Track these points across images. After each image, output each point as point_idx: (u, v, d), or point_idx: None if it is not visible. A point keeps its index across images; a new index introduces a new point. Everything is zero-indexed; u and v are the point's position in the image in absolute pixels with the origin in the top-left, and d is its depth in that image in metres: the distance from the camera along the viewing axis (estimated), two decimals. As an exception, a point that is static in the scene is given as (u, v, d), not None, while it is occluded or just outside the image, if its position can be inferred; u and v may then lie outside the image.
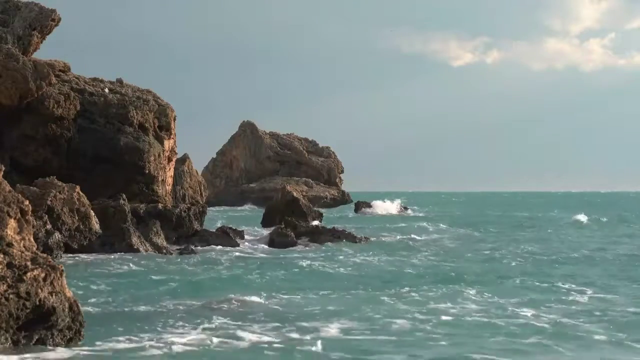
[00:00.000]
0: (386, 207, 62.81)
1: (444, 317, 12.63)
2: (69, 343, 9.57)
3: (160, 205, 26.51)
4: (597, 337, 11.24)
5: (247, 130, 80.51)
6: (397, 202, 65.35)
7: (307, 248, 26.57)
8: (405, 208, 66.82)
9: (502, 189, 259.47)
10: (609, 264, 21.82)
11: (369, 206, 62.90)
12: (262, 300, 14.37)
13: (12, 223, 9.70)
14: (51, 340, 9.42)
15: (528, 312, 13.16)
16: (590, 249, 26.84)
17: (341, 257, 23.39)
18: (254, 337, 10.89)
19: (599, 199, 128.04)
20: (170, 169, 31.41)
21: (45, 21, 28.39)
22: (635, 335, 11.28)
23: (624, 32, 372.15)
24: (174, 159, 32.44)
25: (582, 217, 47.56)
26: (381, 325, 11.88)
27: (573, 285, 16.87)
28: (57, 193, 21.50)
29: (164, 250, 23.23)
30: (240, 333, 11.14)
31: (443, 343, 10.74)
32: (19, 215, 9.93)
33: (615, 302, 14.52)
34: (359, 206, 63.54)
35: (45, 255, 9.97)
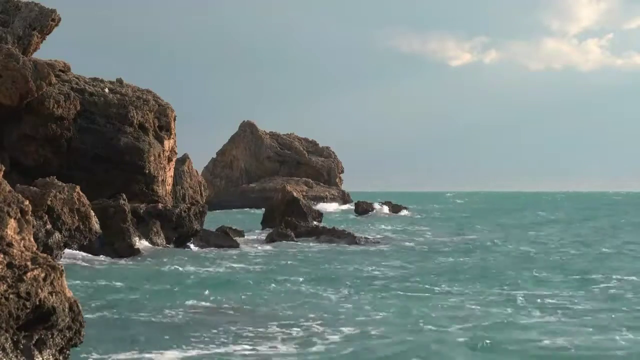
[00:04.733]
0: (381, 209, 62.87)
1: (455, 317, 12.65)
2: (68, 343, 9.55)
3: (160, 205, 26.48)
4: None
5: (247, 130, 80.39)
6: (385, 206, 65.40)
7: (307, 248, 26.54)
8: (406, 208, 66.73)
9: (500, 189, 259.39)
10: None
11: (369, 206, 62.75)
12: (262, 302, 14.35)
13: (12, 223, 9.68)
14: (51, 340, 9.40)
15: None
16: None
17: (342, 256, 23.36)
18: (254, 342, 10.88)
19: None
20: (170, 169, 31.37)
21: (45, 21, 28.34)
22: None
23: (622, 32, 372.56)
24: (174, 159, 32.40)
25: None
26: (388, 326, 11.89)
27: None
28: (57, 193, 21.46)
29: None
30: (240, 338, 11.13)
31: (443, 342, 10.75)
32: (19, 215, 9.90)
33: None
34: (359, 206, 63.38)
35: (45, 255, 9.95)
